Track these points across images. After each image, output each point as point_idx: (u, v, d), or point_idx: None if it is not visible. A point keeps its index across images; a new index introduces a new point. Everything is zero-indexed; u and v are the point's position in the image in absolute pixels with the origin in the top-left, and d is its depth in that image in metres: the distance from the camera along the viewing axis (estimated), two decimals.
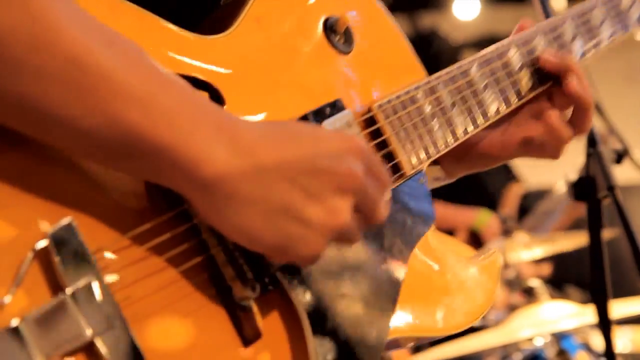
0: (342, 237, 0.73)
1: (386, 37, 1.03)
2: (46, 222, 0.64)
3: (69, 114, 0.63)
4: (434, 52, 5.27)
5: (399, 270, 0.89)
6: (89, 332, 0.63)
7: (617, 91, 6.96)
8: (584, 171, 1.20)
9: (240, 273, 0.74)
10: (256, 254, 0.73)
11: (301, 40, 0.91)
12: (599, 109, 1.51)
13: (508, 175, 3.58)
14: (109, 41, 0.66)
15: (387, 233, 0.89)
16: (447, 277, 0.99)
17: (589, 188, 1.17)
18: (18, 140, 0.64)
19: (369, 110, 0.92)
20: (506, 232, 2.64)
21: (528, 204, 3.52)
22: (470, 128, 1.00)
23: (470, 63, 1.03)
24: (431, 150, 0.97)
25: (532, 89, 1.06)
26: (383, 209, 0.77)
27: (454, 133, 0.99)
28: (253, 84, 0.84)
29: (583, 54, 1.14)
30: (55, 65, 0.61)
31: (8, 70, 0.61)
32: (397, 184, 0.94)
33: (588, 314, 1.83)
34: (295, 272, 0.78)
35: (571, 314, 2.12)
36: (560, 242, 2.69)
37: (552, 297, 2.41)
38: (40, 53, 0.61)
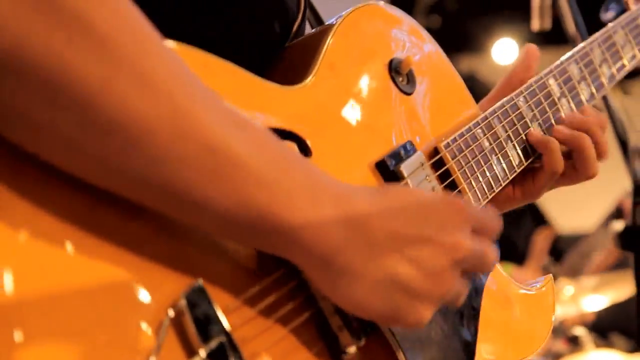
0: (449, 300, 0.76)
1: (443, 75, 1.05)
2: (174, 285, 0.65)
3: (205, 197, 0.65)
4: (472, 92, 5.41)
5: (472, 329, 0.92)
6: None
7: None
8: (631, 221, 1.15)
9: (347, 322, 0.76)
10: None
11: (369, 82, 0.93)
12: None
13: (537, 222, 3.48)
14: (240, 126, 0.68)
15: None
16: (508, 313, 1.01)
17: (637, 238, 1.13)
18: (141, 209, 0.66)
19: (437, 150, 0.95)
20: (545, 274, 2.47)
21: (561, 248, 3.41)
22: (523, 160, 1.05)
23: (517, 96, 1.06)
24: (494, 185, 1.01)
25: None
26: (491, 261, 0.79)
27: (510, 166, 1.03)
28: (333, 131, 0.87)
29: (612, 77, 1.19)
30: (195, 155, 0.63)
31: (153, 158, 0.63)
32: None
33: None
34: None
35: None
36: (607, 292, 2.53)
37: (598, 346, 2.34)
38: (182, 142, 0.63)
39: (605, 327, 3.14)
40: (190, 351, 0.64)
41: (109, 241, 0.64)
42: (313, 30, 1.01)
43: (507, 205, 1.13)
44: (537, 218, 3.58)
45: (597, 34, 1.19)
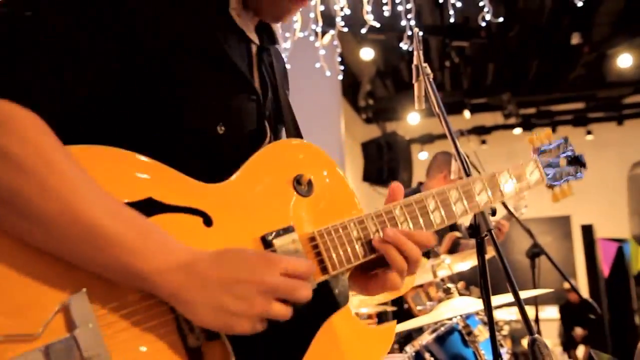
0: (271, 316, 0.94)
1: (338, 186, 1.25)
2: (70, 290, 0.87)
3: (87, 258, 0.87)
4: (394, 144, 7.22)
5: (300, 346, 1.09)
6: (85, 354, 0.84)
7: (501, 168, 8.99)
8: (473, 220, 1.50)
9: (192, 328, 0.96)
10: None
11: (276, 187, 1.15)
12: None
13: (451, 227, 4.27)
14: (113, 212, 0.88)
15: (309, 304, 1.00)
16: (346, 340, 1.17)
17: (476, 231, 1.50)
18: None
19: (312, 236, 1.12)
20: (434, 255, 3.23)
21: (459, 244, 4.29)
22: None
23: (394, 206, 1.21)
24: (353, 259, 1.14)
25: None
26: (304, 293, 0.97)
27: (370, 249, 1.16)
28: (235, 213, 1.07)
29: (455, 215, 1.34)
30: (78, 234, 0.85)
31: (50, 235, 0.84)
32: (324, 277, 1.12)
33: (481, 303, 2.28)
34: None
35: (472, 304, 2.71)
36: (467, 261, 3.32)
37: (460, 294, 2.94)
38: (70, 227, 0.85)
39: (466, 281, 4.16)
40: (70, 328, 0.85)
41: (41, 263, 0.86)
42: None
43: (377, 291, 1.23)
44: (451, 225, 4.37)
45: (479, 177, 1.41)
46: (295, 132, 1.33)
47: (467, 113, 10.86)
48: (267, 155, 1.16)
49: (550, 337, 10.18)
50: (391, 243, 1.14)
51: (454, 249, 4.15)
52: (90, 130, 0.96)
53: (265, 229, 1.09)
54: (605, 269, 9.58)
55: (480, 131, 11.86)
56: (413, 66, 1.71)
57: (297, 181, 1.16)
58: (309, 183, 1.18)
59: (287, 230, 1.11)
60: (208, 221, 1.03)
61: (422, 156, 10.98)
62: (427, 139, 11.48)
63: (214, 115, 1.10)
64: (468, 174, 1.64)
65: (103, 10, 0.97)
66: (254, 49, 1.24)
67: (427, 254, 3.35)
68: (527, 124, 11.82)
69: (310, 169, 1.19)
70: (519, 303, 1.47)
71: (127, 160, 0.98)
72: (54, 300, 0.85)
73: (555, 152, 1.67)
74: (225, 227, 1.04)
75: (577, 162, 1.68)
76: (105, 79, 0.98)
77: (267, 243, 1.08)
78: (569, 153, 1.68)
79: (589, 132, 11.85)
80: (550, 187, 1.63)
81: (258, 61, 1.26)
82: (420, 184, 4.54)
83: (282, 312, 0.95)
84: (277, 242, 1.07)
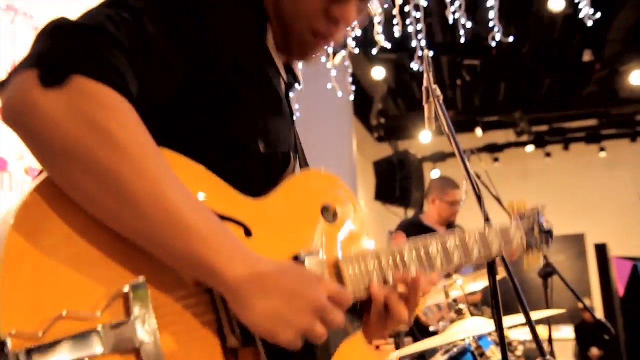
0: (312, 334, 0.97)
1: (359, 222, 1.32)
2: (131, 278, 0.91)
3: (170, 247, 0.90)
4: (407, 163, 7.32)
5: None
6: (140, 339, 0.88)
7: (514, 187, 8.78)
8: None
9: (233, 329, 1.00)
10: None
11: (306, 211, 1.23)
12: (500, 203, 2.05)
13: None
14: (198, 208, 0.93)
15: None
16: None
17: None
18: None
19: (337, 262, 1.19)
20: (447, 276, 3.18)
21: None
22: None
23: (403, 248, 1.27)
24: (369, 288, 1.20)
25: None
26: (340, 320, 1.00)
27: (386, 279, 1.22)
28: (270, 229, 1.14)
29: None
30: (165, 222, 0.89)
31: (139, 215, 0.88)
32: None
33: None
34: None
35: (485, 325, 2.69)
36: (480, 282, 3.25)
37: (473, 314, 2.94)
38: (157, 210, 0.88)
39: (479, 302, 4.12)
40: (128, 314, 0.89)
41: (108, 249, 0.91)
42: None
43: (375, 335, 1.25)
44: None
45: (475, 233, 1.43)
46: (304, 162, 1.42)
47: (479, 131, 10.85)
48: (301, 180, 1.26)
49: (566, 357, 10.05)
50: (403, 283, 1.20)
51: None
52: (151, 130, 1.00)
53: (296, 248, 1.14)
54: (620, 288, 9.49)
55: (493, 149, 11.82)
56: (423, 88, 1.76)
57: (325, 209, 1.24)
58: (334, 212, 1.26)
59: (316, 253, 1.16)
60: (248, 233, 1.09)
61: (434, 174, 10.94)
62: (439, 157, 11.45)
63: (257, 133, 1.17)
64: (478, 195, 1.67)
65: (187, 27, 1.06)
66: (282, 84, 1.32)
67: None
68: (540, 142, 11.78)
69: (335, 199, 1.28)
70: (530, 324, 1.49)
71: (190, 166, 1.04)
72: (116, 285, 0.90)
73: (532, 220, 1.68)
74: (262, 240, 1.11)
75: (547, 234, 1.70)
76: (176, 86, 1.05)
77: (299, 262, 1.12)
78: (542, 223, 1.69)
79: (602, 149, 11.78)
80: (526, 252, 1.64)
81: (286, 95, 1.34)
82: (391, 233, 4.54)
83: (321, 332, 0.98)
84: (307, 263, 1.12)
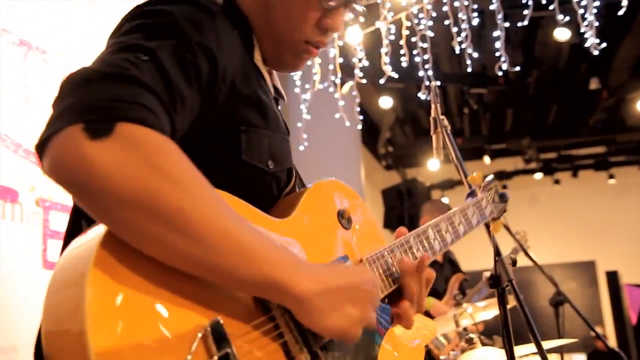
0: (371, 325, 1.05)
1: (367, 222, 1.40)
2: (206, 318, 0.92)
3: (232, 272, 0.91)
4: (415, 191, 7.36)
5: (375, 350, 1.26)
6: None
7: (523, 214, 9.02)
8: (494, 271, 1.53)
9: (301, 348, 1.05)
10: (309, 340, 1.05)
11: (326, 221, 1.29)
12: (509, 230, 1.94)
13: (453, 269, 4.32)
14: (259, 235, 0.95)
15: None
16: (395, 351, 1.34)
17: (497, 281, 1.51)
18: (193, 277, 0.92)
19: (361, 260, 1.27)
20: (457, 305, 3.20)
21: (464, 286, 4.26)
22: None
23: (409, 236, 1.38)
24: (393, 282, 1.29)
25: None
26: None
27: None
28: (305, 244, 1.19)
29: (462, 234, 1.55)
30: (234, 252, 0.90)
31: (212, 250, 0.88)
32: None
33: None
34: (327, 349, 1.09)
35: (495, 354, 2.73)
36: (490, 311, 3.27)
37: (484, 344, 2.98)
38: (227, 246, 0.90)
39: (490, 331, 4.01)
40: (210, 356, 0.89)
41: (177, 293, 0.91)
42: (296, 191, 1.32)
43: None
44: (453, 266, 4.38)
45: (457, 210, 1.58)
46: (298, 174, 1.45)
47: (487, 158, 10.86)
48: (315, 193, 1.29)
49: None
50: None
51: (461, 290, 4.15)
52: None
53: (327, 257, 1.23)
54: (633, 315, 9.38)
55: (501, 176, 11.81)
56: (431, 118, 1.76)
57: (341, 215, 1.30)
58: (349, 217, 1.32)
59: (345, 258, 1.25)
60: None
61: (443, 202, 10.95)
62: (447, 185, 11.45)
63: (266, 153, 1.21)
64: (487, 224, 1.68)
65: (196, 62, 1.07)
66: (272, 99, 1.34)
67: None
68: (548, 169, 11.77)
69: (347, 204, 1.35)
70: (541, 353, 1.47)
71: (224, 195, 1.04)
72: (195, 328, 0.90)
73: (493, 192, 1.79)
74: (307, 252, 1.18)
75: (502, 198, 1.80)
76: (192, 119, 1.07)
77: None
78: (499, 192, 1.81)
79: (611, 177, 11.75)
80: (494, 220, 1.74)
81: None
82: None
83: (374, 322, 1.06)
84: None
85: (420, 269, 1.30)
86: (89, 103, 0.89)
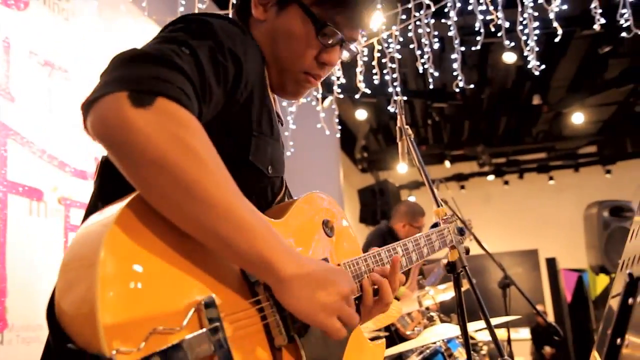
0: (345, 314, 1.01)
1: (347, 234, 1.37)
2: (202, 293, 0.90)
3: (237, 245, 0.90)
4: (386, 190, 7.42)
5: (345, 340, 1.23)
6: (214, 347, 0.87)
7: (478, 210, 9.03)
8: (450, 258, 1.52)
9: (280, 331, 1.03)
10: (288, 324, 1.03)
11: (312, 227, 1.27)
12: (465, 224, 1.88)
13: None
14: (258, 217, 0.95)
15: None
16: (358, 349, 1.30)
17: (453, 267, 1.50)
18: (186, 241, 0.90)
19: (338, 264, 1.22)
20: (420, 288, 3.28)
21: (423, 270, 4.31)
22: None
23: (381, 250, 1.33)
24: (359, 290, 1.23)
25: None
26: (355, 313, 1.04)
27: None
28: (296, 243, 1.20)
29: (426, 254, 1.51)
30: (236, 224, 0.89)
31: (217, 217, 0.88)
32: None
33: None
34: (301, 334, 1.06)
35: (452, 329, 2.67)
36: (445, 294, 3.33)
37: (442, 321, 2.99)
38: (229, 214, 0.89)
39: (447, 310, 4.07)
40: (202, 325, 0.88)
41: (182, 268, 0.90)
42: (288, 200, 1.31)
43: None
44: None
45: (423, 234, 1.53)
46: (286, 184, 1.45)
47: (447, 163, 10.91)
48: (306, 201, 1.27)
49: (524, 355, 9.98)
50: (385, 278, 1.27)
51: (421, 273, 4.15)
52: None
53: (314, 256, 1.21)
54: (568, 295, 9.47)
55: (459, 178, 11.87)
56: (397, 128, 1.75)
57: (325, 224, 1.28)
58: (332, 226, 1.30)
59: (326, 261, 1.22)
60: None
61: (411, 199, 10.98)
62: (414, 185, 11.49)
63: (268, 159, 1.19)
64: (446, 218, 1.67)
65: (228, 66, 1.07)
66: (276, 117, 1.33)
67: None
68: (499, 172, 11.85)
69: (332, 215, 1.33)
70: (490, 329, 1.48)
71: None
72: (191, 301, 0.89)
73: (452, 223, 1.70)
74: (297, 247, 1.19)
75: (461, 232, 1.70)
76: (215, 111, 1.06)
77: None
78: (458, 226, 1.70)
79: (551, 178, 11.86)
80: (452, 248, 1.63)
81: None
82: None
83: (352, 313, 1.02)
84: None
85: (394, 270, 1.27)
86: (137, 76, 0.89)
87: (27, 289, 2.76)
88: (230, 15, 1.24)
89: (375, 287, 1.25)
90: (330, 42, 1.27)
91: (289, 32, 1.25)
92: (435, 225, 1.65)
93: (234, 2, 1.32)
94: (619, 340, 0.83)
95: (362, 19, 1.29)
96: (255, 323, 1.00)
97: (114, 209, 0.86)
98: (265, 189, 1.22)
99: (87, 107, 0.89)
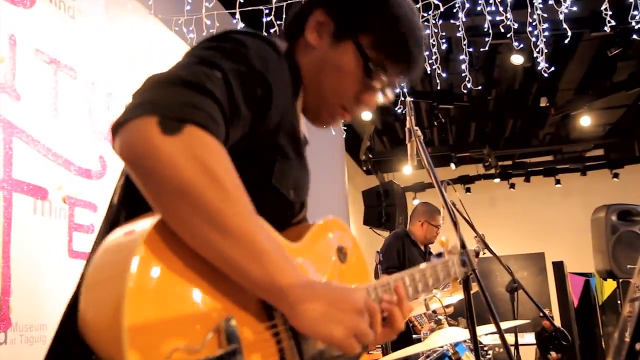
0: (358, 333, 0.98)
1: (359, 261, 1.37)
2: (222, 314, 0.91)
3: (244, 268, 0.91)
4: (391, 192, 7.39)
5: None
6: None
7: (484, 213, 8.92)
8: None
9: (294, 356, 1.03)
10: (303, 349, 1.03)
11: (327, 252, 1.28)
12: (473, 227, 2.14)
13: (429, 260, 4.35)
14: (266, 234, 0.94)
15: None
16: None
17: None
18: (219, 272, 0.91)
19: None
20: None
21: None
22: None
23: (390, 279, 1.26)
24: None
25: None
26: (378, 320, 1.04)
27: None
28: (305, 267, 1.18)
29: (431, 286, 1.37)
30: (244, 249, 0.89)
31: (230, 244, 0.88)
32: None
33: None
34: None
35: (460, 333, 2.67)
36: (453, 297, 3.18)
37: (450, 324, 2.93)
38: (242, 241, 0.89)
39: (455, 314, 4.09)
40: (220, 346, 0.88)
41: (205, 288, 0.91)
42: (305, 223, 1.31)
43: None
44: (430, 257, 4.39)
45: (428, 265, 1.42)
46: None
47: (452, 165, 10.88)
48: (323, 227, 1.29)
49: None
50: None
51: None
52: None
53: (328, 278, 1.23)
54: (575, 299, 9.43)
55: (465, 180, 11.84)
56: (406, 129, 1.74)
57: (340, 250, 1.29)
58: (345, 253, 1.31)
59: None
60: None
61: (415, 202, 10.95)
62: (419, 188, 11.48)
63: (291, 183, 1.19)
64: (454, 220, 1.66)
65: (258, 90, 1.07)
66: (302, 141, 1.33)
67: None
68: (505, 174, 11.82)
69: (345, 242, 1.34)
70: (500, 333, 1.47)
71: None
72: (211, 322, 0.89)
73: (456, 254, 1.64)
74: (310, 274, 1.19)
75: (463, 264, 1.63)
76: (242, 133, 1.06)
77: None
78: (464, 257, 1.63)
79: (557, 182, 11.82)
80: (455, 279, 1.58)
81: None
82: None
83: (368, 330, 1.00)
84: None
85: (400, 297, 1.20)
86: (168, 101, 0.91)
87: (31, 288, 2.76)
88: (276, 28, 1.23)
89: (385, 314, 1.21)
90: (376, 85, 1.29)
91: (338, 66, 1.26)
92: (440, 255, 1.64)
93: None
94: (637, 346, 0.82)
95: (411, 74, 1.32)
96: (271, 346, 1.01)
97: (143, 226, 0.89)
98: (284, 212, 1.23)
99: (117, 128, 0.90)
